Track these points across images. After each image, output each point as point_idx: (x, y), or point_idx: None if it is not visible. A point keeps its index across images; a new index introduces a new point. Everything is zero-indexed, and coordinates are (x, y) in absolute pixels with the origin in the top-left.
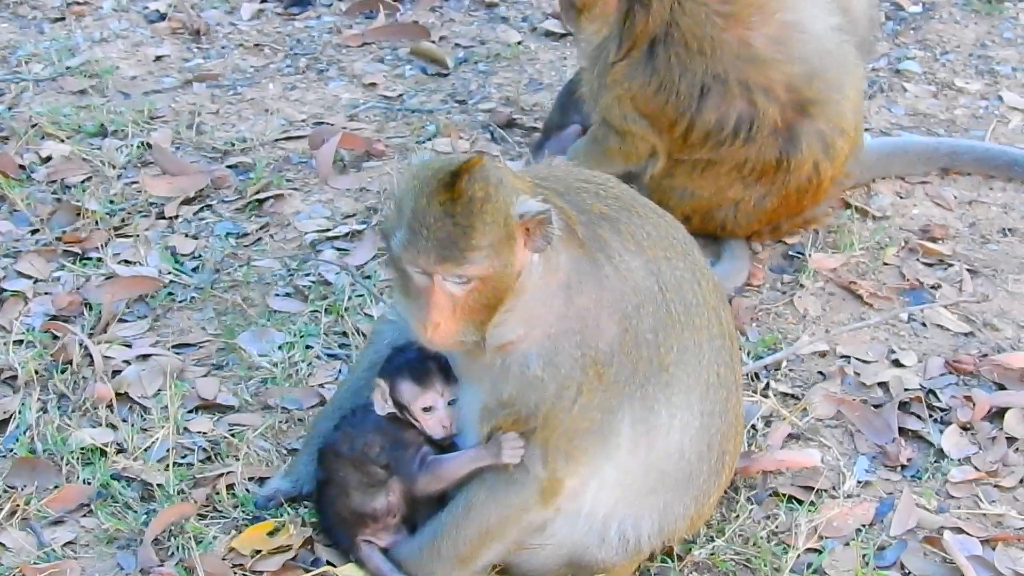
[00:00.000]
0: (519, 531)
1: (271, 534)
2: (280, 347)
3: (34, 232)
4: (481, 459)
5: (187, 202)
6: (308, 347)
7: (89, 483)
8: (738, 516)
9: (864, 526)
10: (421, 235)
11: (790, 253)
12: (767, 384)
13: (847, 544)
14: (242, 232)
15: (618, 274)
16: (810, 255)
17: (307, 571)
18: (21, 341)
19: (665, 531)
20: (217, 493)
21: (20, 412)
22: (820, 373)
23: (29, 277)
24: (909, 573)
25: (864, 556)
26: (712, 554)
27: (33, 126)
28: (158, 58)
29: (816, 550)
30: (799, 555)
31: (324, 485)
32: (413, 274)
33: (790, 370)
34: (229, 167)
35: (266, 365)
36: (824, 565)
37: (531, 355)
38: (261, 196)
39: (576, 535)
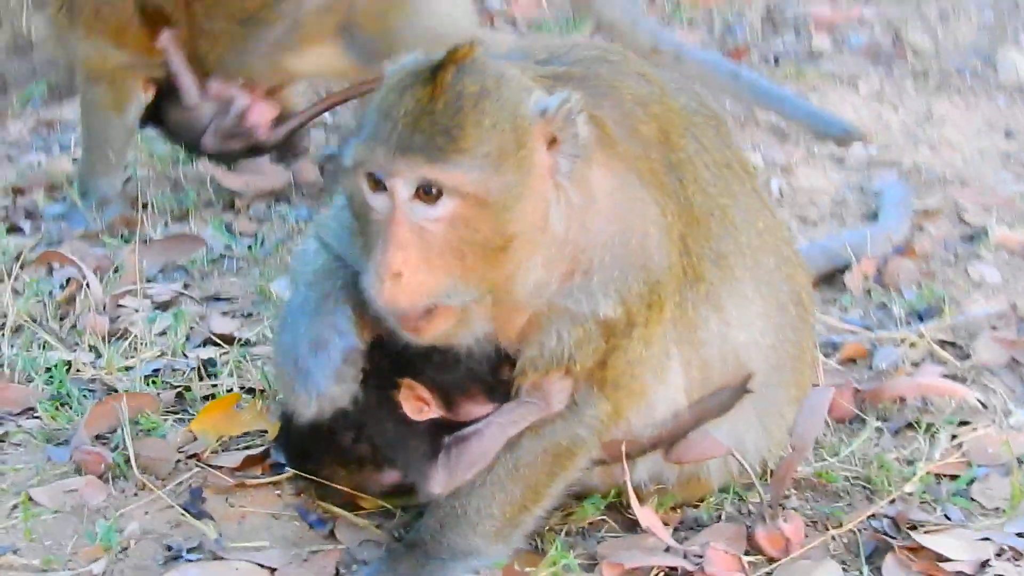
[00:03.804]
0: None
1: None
2: None
3: None
4: (523, 419)
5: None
6: None
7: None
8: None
9: None
10: (383, 128)
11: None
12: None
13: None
14: None
15: (656, 180)
16: (992, 230)
17: (273, 465)
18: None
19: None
20: (189, 391)
21: None
22: (992, 327)
23: None
24: None
25: None
26: (820, 474)
27: None
28: None
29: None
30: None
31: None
32: (368, 194)
33: (952, 328)
34: None
35: None
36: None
37: (587, 292)
38: None
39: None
